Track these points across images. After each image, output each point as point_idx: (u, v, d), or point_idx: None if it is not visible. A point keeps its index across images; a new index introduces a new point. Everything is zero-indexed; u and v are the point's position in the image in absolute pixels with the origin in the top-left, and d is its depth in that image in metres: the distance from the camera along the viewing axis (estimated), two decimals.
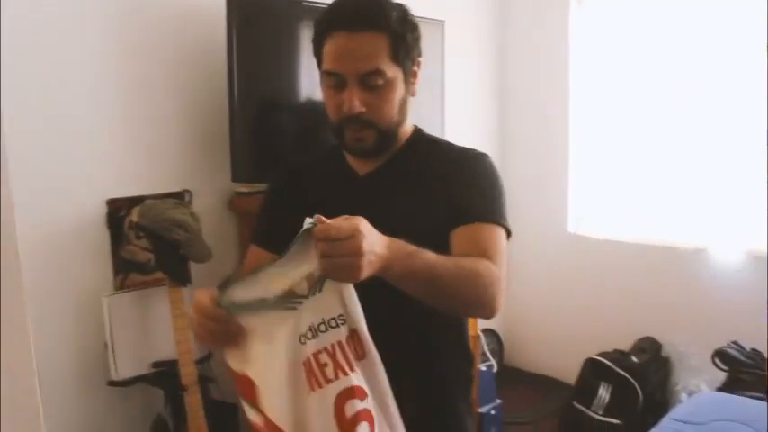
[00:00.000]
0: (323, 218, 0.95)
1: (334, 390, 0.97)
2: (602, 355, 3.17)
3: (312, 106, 2.44)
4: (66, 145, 2.13)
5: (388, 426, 1.00)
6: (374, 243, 0.98)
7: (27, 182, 1.83)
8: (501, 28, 3.78)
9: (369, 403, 0.97)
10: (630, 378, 3.04)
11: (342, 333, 0.97)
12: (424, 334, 1.31)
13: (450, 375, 1.40)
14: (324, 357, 0.97)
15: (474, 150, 1.38)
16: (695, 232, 3.22)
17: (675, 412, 2.20)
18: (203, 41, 2.40)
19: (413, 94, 1.34)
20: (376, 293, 1.04)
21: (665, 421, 2.13)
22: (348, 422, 0.96)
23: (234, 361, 1.04)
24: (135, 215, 2.23)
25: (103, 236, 2.22)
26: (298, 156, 1.57)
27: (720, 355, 2.84)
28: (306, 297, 0.98)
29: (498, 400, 3.11)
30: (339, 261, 0.94)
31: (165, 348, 2.21)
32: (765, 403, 2.15)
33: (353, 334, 0.97)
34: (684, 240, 3.24)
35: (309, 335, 0.97)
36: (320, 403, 0.96)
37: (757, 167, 2.99)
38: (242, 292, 1.01)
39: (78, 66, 2.16)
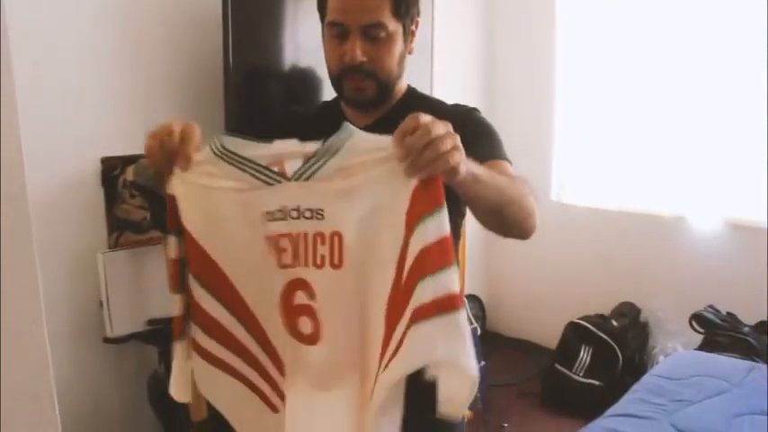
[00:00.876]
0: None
1: (285, 276, 0.99)
2: (584, 318, 3.27)
3: (306, 73, 2.46)
4: (60, 103, 2.12)
5: (344, 333, 0.99)
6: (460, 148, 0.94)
7: (22, 140, 1.82)
8: None
9: (319, 305, 0.98)
10: (610, 341, 3.14)
11: (313, 226, 0.95)
12: None
13: None
14: (285, 242, 0.97)
15: (465, 106, 1.44)
16: (675, 201, 3.31)
17: (656, 369, 2.30)
18: (199, 6, 2.39)
19: (410, 52, 1.38)
20: None
21: (647, 377, 2.22)
22: (292, 310, 1.00)
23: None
24: (129, 174, 2.23)
25: (98, 194, 2.23)
26: (287, 109, 1.51)
27: (697, 319, 2.95)
28: (288, 179, 0.97)
29: (483, 362, 3.19)
30: (435, 153, 0.90)
31: (159, 306, 2.22)
32: (739, 360, 2.25)
33: (335, 236, 0.95)
34: (664, 208, 3.33)
35: (279, 215, 0.96)
36: (273, 281, 1.00)
37: (736, 139, 3.08)
38: (237, 144, 1.00)
39: (74, 27, 2.14)
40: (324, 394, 1.01)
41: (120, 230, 2.26)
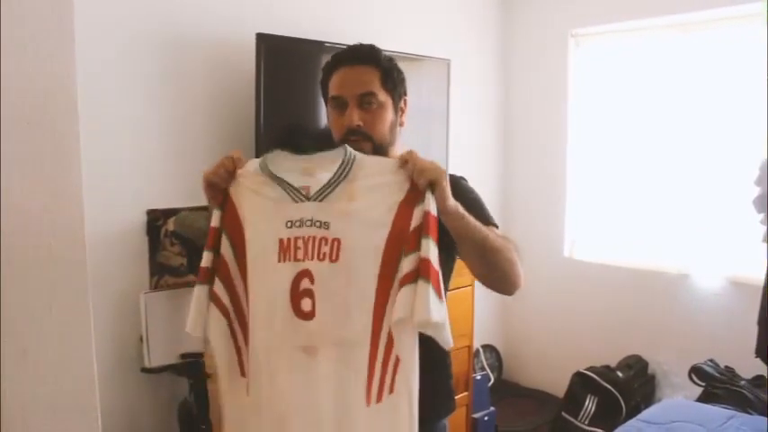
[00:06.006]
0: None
1: (297, 267, 1.31)
2: (590, 369, 3.42)
3: (330, 133, 2.75)
4: (114, 163, 2.47)
5: (331, 309, 1.31)
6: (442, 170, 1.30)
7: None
8: (504, 67, 4.10)
9: (316, 288, 1.30)
10: (614, 391, 3.29)
11: (320, 233, 1.31)
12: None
13: (426, 364, 1.66)
14: (300, 243, 1.31)
15: (454, 174, 1.66)
16: (680, 259, 3.48)
17: (642, 414, 2.45)
18: (235, 75, 2.74)
19: (401, 124, 1.66)
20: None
21: (632, 421, 2.38)
22: (298, 294, 1.31)
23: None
24: (170, 224, 2.56)
25: (143, 242, 2.55)
26: None
27: (696, 372, 3.07)
28: (308, 199, 1.32)
29: (492, 408, 3.36)
30: (429, 165, 1.28)
31: (191, 343, 2.47)
32: (722, 409, 2.39)
33: (335, 241, 1.30)
34: (670, 266, 3.51)
35: (298, 224, 1.32)
36: (284, 272, 1.31)
37: (737, 201, 3.25)
38: (278, 162, 1.36)
39: (128, 101, 2.52)
40: (311, 357, 1.32)
41: (161, 274, 2.57)
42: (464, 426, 3.16)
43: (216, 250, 1.37)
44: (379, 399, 1.30)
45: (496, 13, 4.02)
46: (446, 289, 1.57)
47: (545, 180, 3.98)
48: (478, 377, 3.31)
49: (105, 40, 2.42)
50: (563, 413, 3.36)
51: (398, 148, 1.66)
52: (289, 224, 1.32)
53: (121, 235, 2.51)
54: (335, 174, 1.32)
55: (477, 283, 3.12)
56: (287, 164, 1.36)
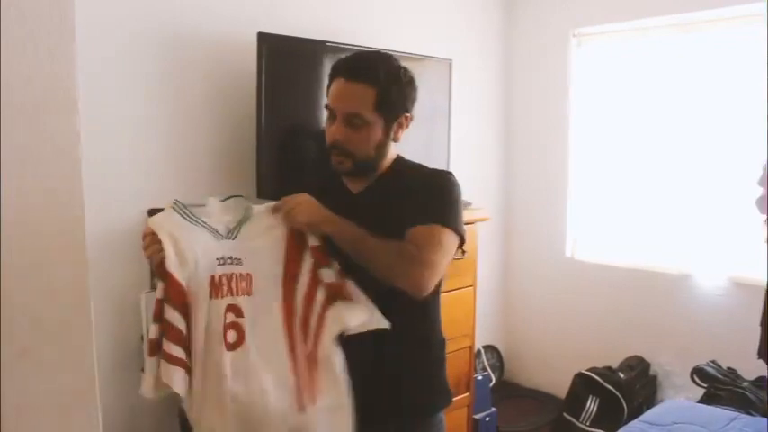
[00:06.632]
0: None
1: (225, 302, 1.46)
2: (591, 370, 3.41)
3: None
4: (114, 163, 2.47)
5: (256, 337, 1.46)
6: (304, 209, 1.52)
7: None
8: (505, 67, 4.08)
9: (242, 321, 1.46)
10: (616, 392, 3.28)
11: (237, 269, 1.48)
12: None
13: (410, 355, 1.65)
14: (224, 279, 1.47)
15: (440, 170, 1.69)
16: (681, 259, 3.47)
17: (644, 416, 2.45)
18: (236, 75, 2.73)
19: (395, 140, 1.66)
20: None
21: (634, 422, 2.38)
22: (226, 326, 1.45)
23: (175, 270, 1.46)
24: None
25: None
26: (309, 179, 1.92)
27: (699, 373, 3.07)
28: (224, 237, 1.50)
29: (493, 408, 3.35)
30: (287, 210, 1.51)
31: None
32: (724, 410, 2.39)
33: (248, 275, 1.49)
34: (671, 266, 3.50)
35: (221, 261, 1.48)
36: (216, 307, 1.45)
37: (739, 201, 3.24)
38: (191, 208, 1.51)
39: (128, 100, 2.51)
40: (248, 383, 1.44)
41: None
42: (465, 426, 3.15)
43: (160, 320, 1.45)
44: (312, 402, 1.46)
45: (498, 13, 4.01)
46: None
47: (547, 180, 3.98)
48: (480, 377, 3.30)
49: (105, 40, 2.41)
50: (564, 414, 3.35)
51: (390, 161, 1.69)
52: (217, 261, 1.47)
53: (122, 234, 2.50)
54: (242, 216, 1.52)
55: (479, 284, 3.13)
56: (199, 210, 1.51)
